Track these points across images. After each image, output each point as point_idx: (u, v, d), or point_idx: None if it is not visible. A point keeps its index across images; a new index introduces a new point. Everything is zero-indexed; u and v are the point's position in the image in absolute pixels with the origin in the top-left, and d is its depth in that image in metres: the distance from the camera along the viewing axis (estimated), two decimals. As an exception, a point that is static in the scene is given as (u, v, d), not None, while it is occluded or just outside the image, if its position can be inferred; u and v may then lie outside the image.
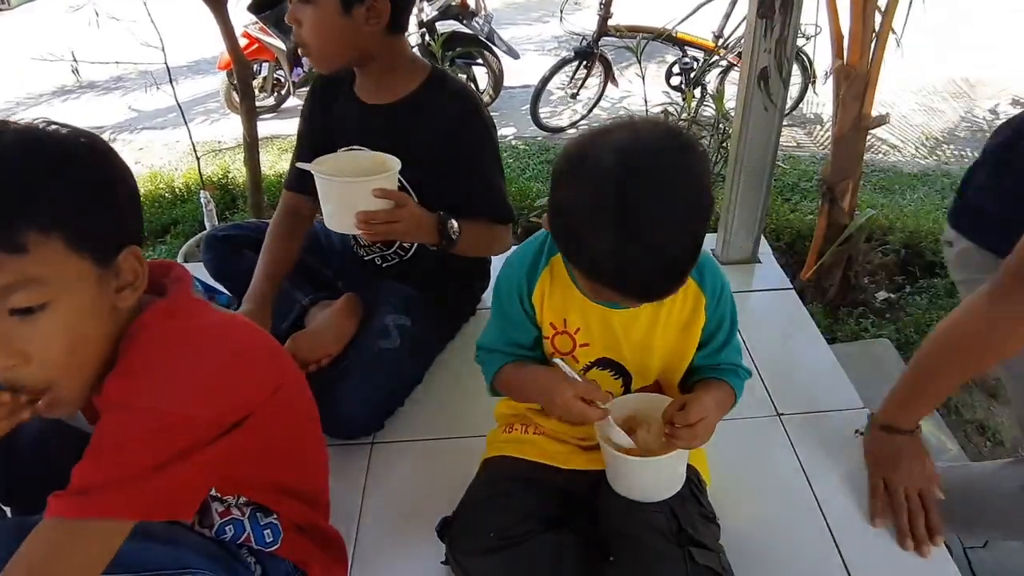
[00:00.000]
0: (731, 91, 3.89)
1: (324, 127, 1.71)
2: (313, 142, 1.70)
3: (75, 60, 3.24)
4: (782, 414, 1.67)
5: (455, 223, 1.55)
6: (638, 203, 0.90)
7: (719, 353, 1.24)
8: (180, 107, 2.92)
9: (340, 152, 1.58)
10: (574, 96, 5.08)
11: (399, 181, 1.50)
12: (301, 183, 1.66)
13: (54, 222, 0.81)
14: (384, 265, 1.77)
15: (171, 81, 2.90)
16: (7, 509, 1.27)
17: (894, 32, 2.32)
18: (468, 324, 1.91)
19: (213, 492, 1.07)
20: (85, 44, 4.08)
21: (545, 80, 4.80)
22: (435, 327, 1.79)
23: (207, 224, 2.82)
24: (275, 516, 1.13)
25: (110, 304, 0.89)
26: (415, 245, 1.72)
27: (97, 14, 3.03)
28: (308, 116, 1.75)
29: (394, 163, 1.45)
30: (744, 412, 1.57)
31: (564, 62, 4.86)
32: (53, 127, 0.86)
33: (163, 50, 2.68)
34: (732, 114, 2.41)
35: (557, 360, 1.16)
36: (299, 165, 1.59)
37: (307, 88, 5.14)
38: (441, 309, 1.79)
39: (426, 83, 1.59)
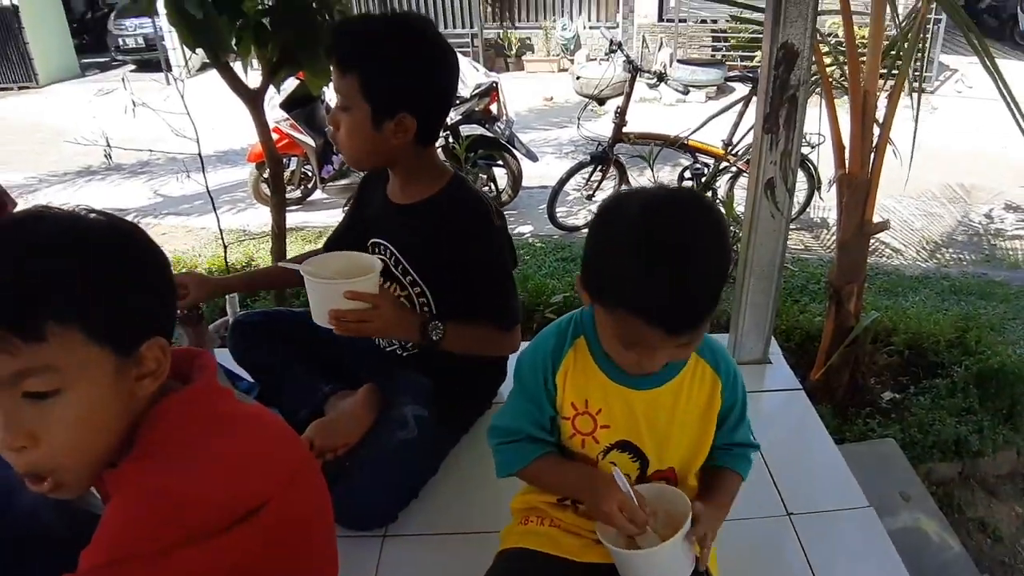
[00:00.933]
0: (740, 195, 4.00)
1: (360, 217, 1.85)
2: (349, 226, 1.88)
3: (109, 145, 3.36)
4: (792, 513, 1.66)
5: (440, 325, 1.62)
6: (662, 234, 1.01)
7: (733, 433, 1.28)
8: (210, 195, 3.03)
9: (338, 252, 1.68)
10: (589, 198, 5.24)
11: (415, 278, 1.63)
12: (335, 249, 1.82)
13: (74, 314, 0.81)
14: (404, 355, 1.81)
15: (203, 170, 3.01)
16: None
17: (892, 143, 2.42)
18: (483, 417, 1.93)
19: None
20: (112, 126, 4.23)
21: (562, 182, 4.97)
22: (452, 418, 1.81)
23: (228, 310, 2.88)
24: None
25: (128, 392, 0.89)
26: None
27: (135, 104, 3.17)
28: (352, 203, 1.92)
29: (374, 266, 1.55)
30: (754, 511, 1.58)
31: (580, 165, 5.04)
32: (93, 215, 0.88)
33: (197, 141, 2.80)
34: (742, 218, 2.49)
35: (616, 472, 1.17)
36: (281, 264, 1.73)
37: (335, 183, 5.34)
38: (459, 401, 1.81)
39: (445, 188, 1.68)
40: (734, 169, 4.84)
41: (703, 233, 1.04)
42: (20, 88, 12.03)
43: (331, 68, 1.59)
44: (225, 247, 3.21)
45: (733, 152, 4.87)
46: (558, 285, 3.58)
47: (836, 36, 4.69)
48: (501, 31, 11.44)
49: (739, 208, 3.22)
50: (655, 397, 1.21)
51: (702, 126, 4.93)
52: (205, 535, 0.86)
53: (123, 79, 3.08)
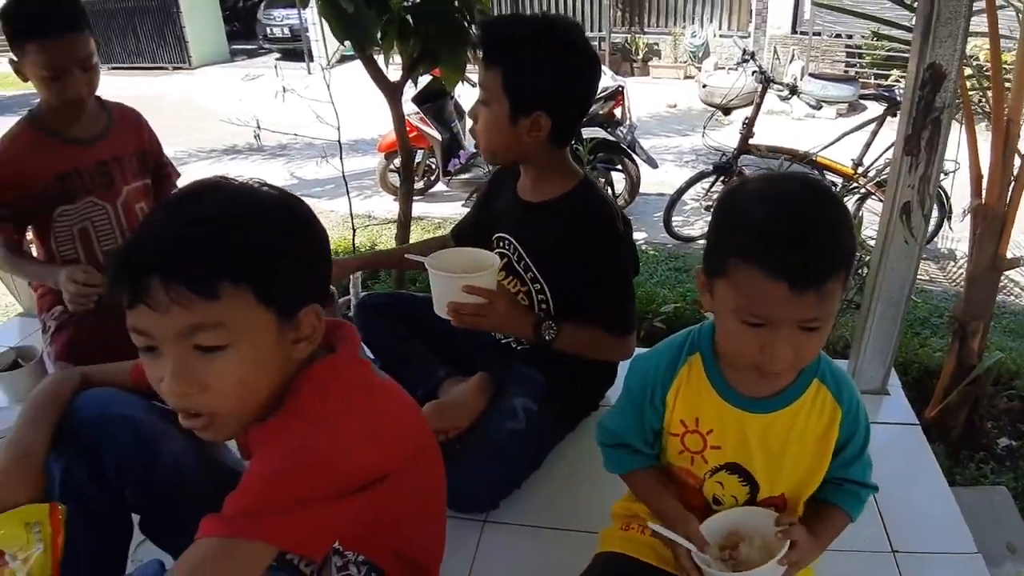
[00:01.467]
0: (868, 219, 3.83)
1: (488, 211, 1.90)
2: (477, 219, 1.95)
3: (259, 127, 3.55)
4: (896, 551, 1.59)
5: (554, 325, 1.65)
6: (789, 195, 1.03)
7: (848, 468, 1.22)
8: (345, 180, 3.16)
9: (461, 248, 1.76)
10: (708, 208, 5.12)
11: (536, 275, 1.69)
12: (459, 238, 1.99)
13: (247, 276, 0.89)
14: (519, 348, 1.84)
15: (340, 156, 3.15)
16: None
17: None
18: (590, 417, 1.93)
19: (336, 545, 1.09)
20: (256, 109, 4.46)
21: (681, 191, 4.89)
22: (560, 415, 1.83)
23: (352, 290, 3.00)
24: None
25: (285, 353, 0.96)
26: None
27: (284, 90, 3.34)
28: (481, 196, 1.98)
29: (494, 261, 1.62)
30: (858, 544, 1.52)
31: (702, 175, 4.94)
32: (266, 189, 0.96)
33: (338, 128, 2.93)
34: (868, 242, 2.38)
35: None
36: (408, 256, 1.82)
37: (459, 177, 5.45)
38: (567, 399, 1.83)
39: (574, 190, 1.70)
40: (863, 191, 4.63)
41: (830, 199, 1.04)
42: (175, 68, 12.87)
43: (477, 62, 1.64)
44: (354, 230, 3.34)
45: (863, 173, 4.67)
46: (669, 295, 3.53)
47: (979, 60, 4.41)
48: (629, 35, 11.34)
49: (866, 232, 3.08)
50: (771, 422, 1.17)
51: (834, 143, 4.74)
52: (337, 495, 0.92)
53: (276, 67, 3.26)
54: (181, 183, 2.29)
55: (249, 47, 13.97)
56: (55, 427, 1.11)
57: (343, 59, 4.27)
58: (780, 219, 0.99)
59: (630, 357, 1.73)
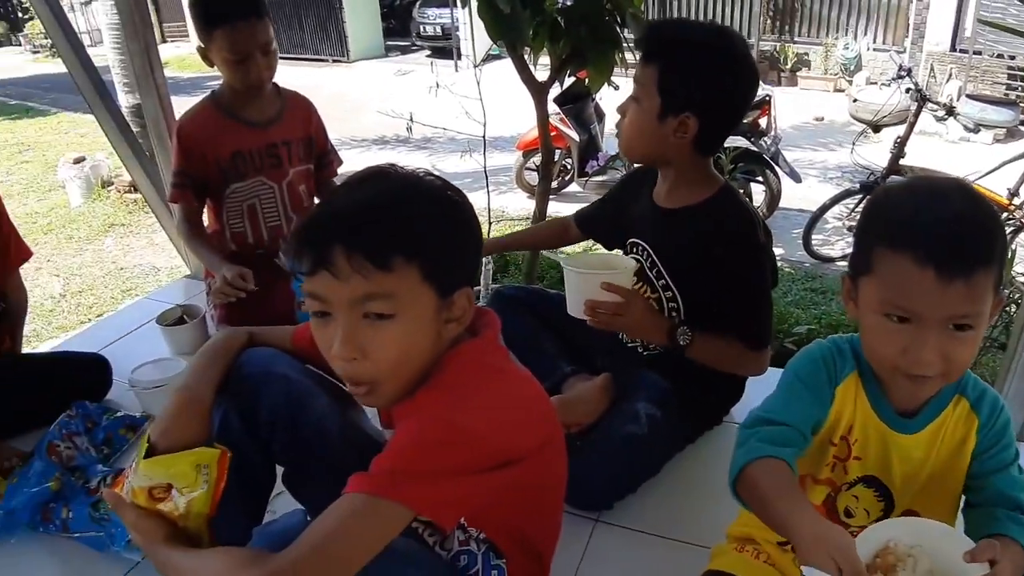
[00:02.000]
0: (1021, 254, 3.53)
1: (621, 215, 1.86)
2: (609, 216, 1.93)
3: (412, 120, 3.70)
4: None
5: (688, 332, 1.61)
6: (937, 187, 1.01)
7: (995, 478, 1.10)
8: (486, 175, 3.23)
9: (596, 252, 1.71)
10: (850, 229, 4.86)
11: (668, 282, 1.66)
12: (583, 223, 2.02)
13: (417, 253, 0.96)
14: (645, 354, 1.81)
15: (484, 151, 3.23)
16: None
17: None
18: (712, 431, 1.89)
19: (461, 520, 1.13)
20: (406, 103, 4.63)
21: (824, 208, 4.67)
22: (682, 425, 1.79)
23: (482, 282, 3.07)
24: (503, 562, 1.16)
25: (437, 331, 1.02)
26: None
27: (438, 85, 3.46)
28: (613, 195, 1.95)
29: (629, 264, 1.61)
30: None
31: (847, 194, 4.70)
32: (430, 177, 1.03)
33: (484, 124, 3.00)
34: (1017, 278, 2.20)
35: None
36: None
37: (595, 179, 5.45)
38: (691, 409, 1.78)
39: (714, 197, 1.65)
40: (1017, 223, 4.27)
41: (982, 198, 1.00)
42: (334, 61, 13.51)
43: (623, 66, 1.64)
44: (490, 223, 3.41)
45: (1020, 205, 4.30)
46: (803, 316, 3.38)
47: None
48: (778, 44, 10.94)
49: (1017, 267, 2.84)
50: (914, 443, 1.12)
51: (994, 171, 4.40)
52: (474, 470, 0.96)
53: (431, 64, 3.37)
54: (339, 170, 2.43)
55: (402, 44, 14.48)
56: (222, 378, 1.20)
57: (488, 58, 4.36)
58: (930, 203, 0.96)
59: (762, 373, 1.69)
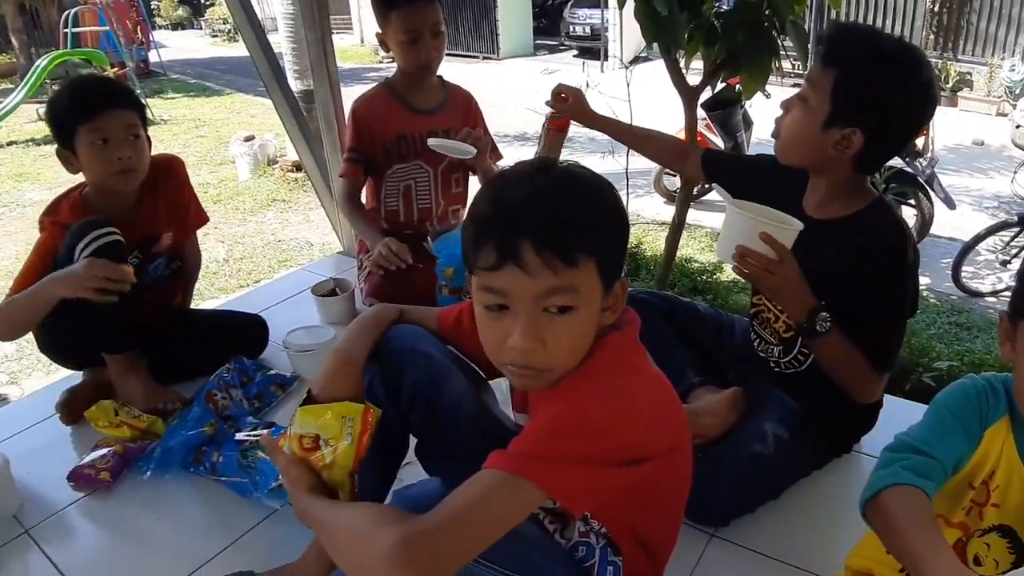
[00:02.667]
0: None
1: (762, 185, 1.73)
2: (738, 171, 1.86)
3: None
4: None
5: (829, 319, 1.49)
6: None
7: None
8: (627, 177, 3.20)
9: (764, 206, 1.58)
10: (1004, 264, 4.48)
11: None
12: (710, 162, 1.95)
13: (596, 249, 0.98)
14: (777, 371, 1.75)
15: (627, 153, 3.20)
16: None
17: None
18: (839, 459, 1.79)
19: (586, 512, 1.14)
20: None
21: (978, 239, 4.33)
22: (809, 450, 1.71)
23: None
24: (620, 559, 1.17)
25: (598, 320, 1.04)
26: (811, 358, 1.66)
27: (588, 85, 3.45)
28: (762, 164, 1.81)
29: (796, 224, 1.47)
30: None
31: (1003, 225, 4.34)
32: (580, 169, 1.04)
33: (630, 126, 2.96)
34: None
35: None
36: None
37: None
38: (821, 435, 1.70)
39: (867, 208, 1.56)
40: None
41: None
42: (484, 58, 13.78)
43: (779, 73, 1.56)
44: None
45: None
46: (945, 351, 3.14)
47: None
48: (940, 61, 10.19)
49: None
50: None
51: None
52: (608, 463, 0.97)
53: (583, 64, 3.38)
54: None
55: (551, 43, 14.57)
56: (373, 347, 1.26)
57: (637, 59, 4.32)
58: None
59: (873, 400, 1.62)
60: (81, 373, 2.15)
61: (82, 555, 1.60)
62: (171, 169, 2.12)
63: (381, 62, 13.95)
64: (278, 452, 1.16)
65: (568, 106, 2.05)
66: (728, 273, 3.88)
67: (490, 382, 1.38)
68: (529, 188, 0.99)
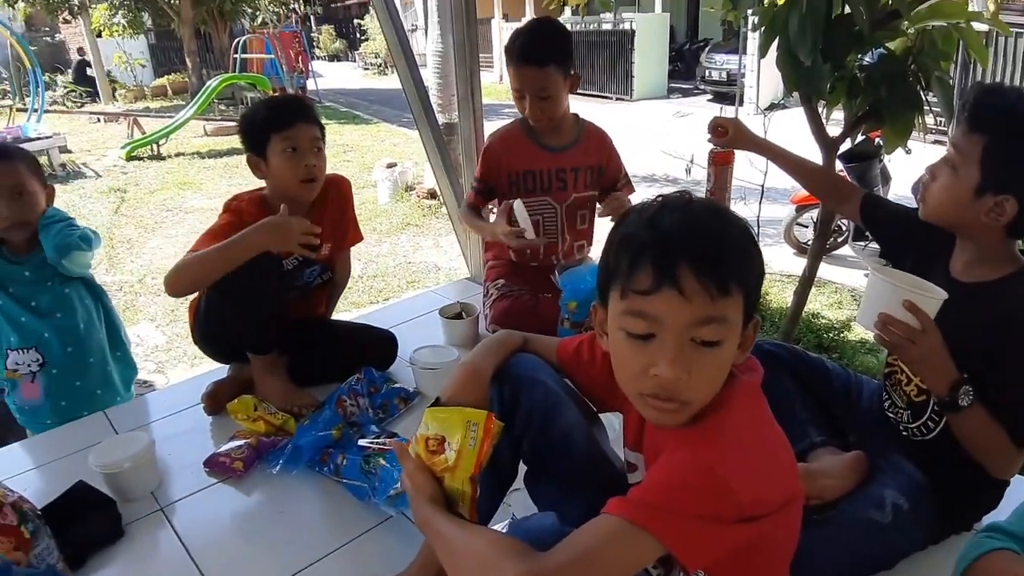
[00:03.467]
0: None
1: (918, 243, 1.68)
2: (899, 223, 1.76)
3: (692, 161, 3.70)
4: None
5: (972, 392, 1.40)
6: None
7: None
8: (759, 225, 3.14)
9: (906, 273, 1.52)
10: None
11: None
12: (870, 207, 1.86)
13: (746, 280, 0.97)
14: (904, 435, 1.65)
15: (760, 199, 3.15)
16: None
17: None
18: (959, 537, 1.66)
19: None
20: (681, 144, 4.58)
21: None
22: (929, 524, 1.60)
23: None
24: None
25: (733, 357, 1.02)
26: (940, 426, 1.57)
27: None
28: (920, 221, 1.67)
29: (940, 294, 1.40)
30: None
31: None
32: (721, 205, 1.05)
33: (765, 172, 2.92)
34: None
35: None
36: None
37: (872, 245, 5.01)
38: (944, 509, 1.59)
39: (1016, 275, 1.47)
40: None
41: None
42: (617, 99, 13.85)
43: (922, 129, 1.49)
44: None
45: None
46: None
47: None
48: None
49: None
50: None
51: None
52: (724, 520, 0.93)
53: (721, 109, 3.35)
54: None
55: (685, 86, 14.48)
56: (498, 367, 1.30)
57: (772, 106, 4.23)
58: None
59: (1010, 475, 1.51)
60: (225, 368, 2.33)
61: (207, 537, 1.70)
62: (339, 187, 2.30)
63: (518, 99, 14.28)
64: (406, 456, 1.20)
65: (728, 139, 2.05)
66: (856, 332, 3.71)
67: (602, 417, 1.40)
68: (685, 214, 0.97)
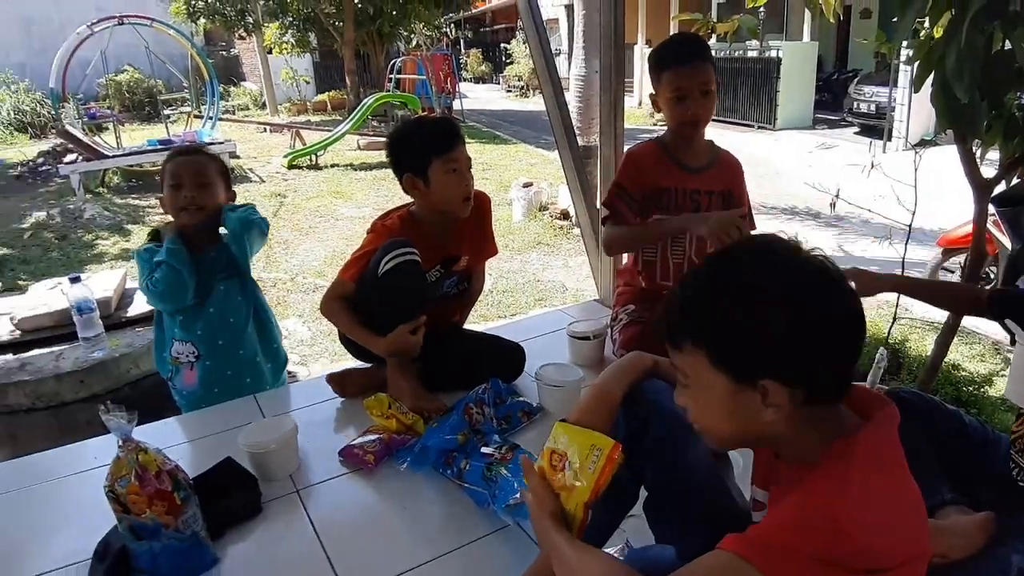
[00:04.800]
0: None
1: None
2: None
3: (837, 196, 3.54)
4: None
5: None
6: None
7: None
8: (903, 266, 2.96)
9: None
10: None
11: None
12: (1001, 303, 1.81)
13: (704, 341, 0.98)
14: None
15: (907, 241, 2.97)
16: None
17: None
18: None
19: None
20: (824, 177, 4.37)
21: None
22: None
23: (869, 379, 2.80)
24: None
25: (751, 411, 0.97)
26: None
27: (872, 165, 3.27)
28: None
29: None
30: None
31: None
32: (812, 260, 0.96)
33: (913, 212, 2.76)
34: None
35: None
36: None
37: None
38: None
39: None
40: None
41: None
42: (759, 128, 13.43)
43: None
44: (894, 320, 3.13)
45: None
46: None
47: None
48: None
49: None
50: None
51: None
52: (841, 567, 0.89)
53: (870, 144, 3.20)
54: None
55: (831, 117, 13.84)
56: (628, 390, 1.29)
57: (922, 142, 3.98)
58: None
59: None
60: (364, 365, 2.43)
61: (335, 522, 1.78)
62: (480, 202, 2.38)
63: (656, 124, 14.18)
64: (532, 472, 1.22)
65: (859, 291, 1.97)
66: (998, 387, 3.43)
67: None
68: (710, 267, 1.01)
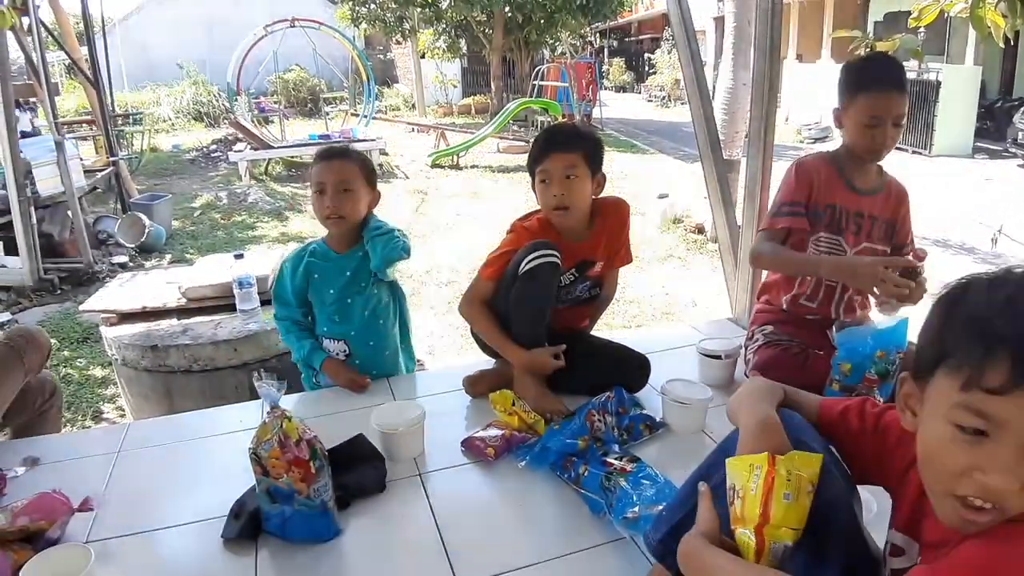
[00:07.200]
0: None
1: None
2: None
3: (1000, 231, 3.24)
4: None
5: None
6: None
7: None
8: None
9: None
10: None
11: None
12: None
13: None
14: None
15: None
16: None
17: None
18: None
19: None
20: (981, 211, 3.97)
21: None
22: None
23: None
24: None
25: None
26: None
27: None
28: None
29: None
30: None
31: None
32: None
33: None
34: None
35: None
36: None
37: None
38: None
39: None
40: None
41: None
42: (913, 152, 12.53)
43: None
44: None
45: None
46: None
47: None
48: None
49: None
50: None
51: None
52: None
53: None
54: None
55: (992, 147, 12.68)
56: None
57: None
58: None
59: None
60: (491, 361, 2.45)
61: (452, 509, 1.79)
62: (618, 209, 2.38)
63: (802, 142, 13.54)
64: (705, 500, 1.13)
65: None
66: None
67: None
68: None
